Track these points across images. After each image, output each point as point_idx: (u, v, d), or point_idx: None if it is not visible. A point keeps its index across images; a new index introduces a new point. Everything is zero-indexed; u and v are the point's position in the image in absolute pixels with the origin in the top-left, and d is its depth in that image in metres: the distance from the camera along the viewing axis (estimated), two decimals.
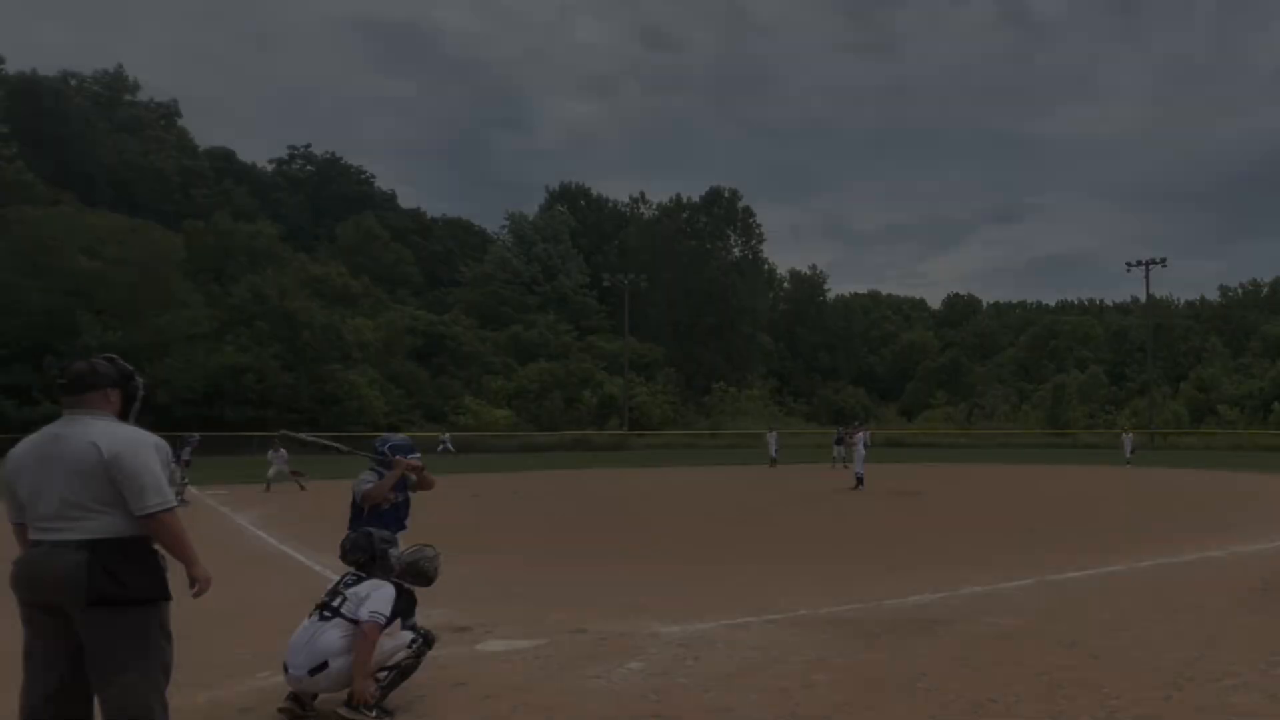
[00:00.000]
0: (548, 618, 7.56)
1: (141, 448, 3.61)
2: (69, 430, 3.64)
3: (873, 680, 5.57)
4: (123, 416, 3.78)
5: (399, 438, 6.66)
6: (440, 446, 46.78)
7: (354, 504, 6.28)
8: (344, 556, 5.33)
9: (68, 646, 3.58)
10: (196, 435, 22.57)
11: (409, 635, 5.06)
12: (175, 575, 3.69)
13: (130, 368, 3.87)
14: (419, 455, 6.61)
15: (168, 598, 3.66)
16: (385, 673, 4.89)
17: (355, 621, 4.87)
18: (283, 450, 25.36)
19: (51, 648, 3.60)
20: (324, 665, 4.75)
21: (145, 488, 3.53)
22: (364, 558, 5.22)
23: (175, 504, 3.66)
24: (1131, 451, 36.38)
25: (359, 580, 5.12)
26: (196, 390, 51.31)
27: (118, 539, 3.54)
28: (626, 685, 5.51)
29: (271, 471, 24.39)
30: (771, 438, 36.87)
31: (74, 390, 3.67)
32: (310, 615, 5.02)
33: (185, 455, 20.44)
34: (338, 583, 5.18)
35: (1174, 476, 28.63)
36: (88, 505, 3.53)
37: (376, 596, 4.95)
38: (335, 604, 4.96)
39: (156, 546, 3.67)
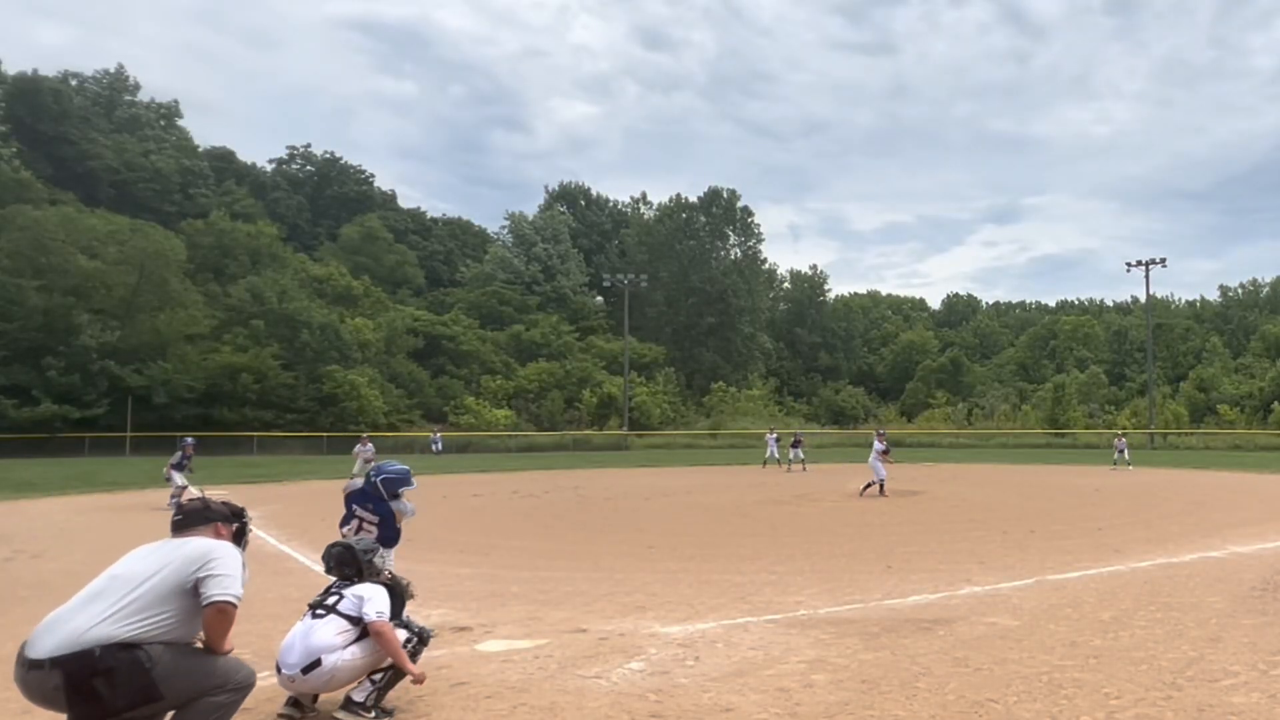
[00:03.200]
0: (548, 618, 7.56)
1: (236, 553, 3.99)
2: (178, 540, 4.01)
3: (873, 680, 5.56)
4: None
5: (394, 468, 6.40)
6: (434, 446, 46.58)
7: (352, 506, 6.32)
8: (331, 571, 5.29)
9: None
10: (189, 439, 21.90)
11: (404, 634, 5.05)
12: None
13: (241, 507, 4.35)
14: (414, 487, 6.43)
15: (153, 699, 3.61)
16: (381, 674, 4.87)
17: (354, 619, 4.85)
18: (370, 445, 27.48)
19: None
20: (317, 663, 4.71)
21: (223, 578, 3.82)
22: (351, 571, 5.19)
23: (238, 602, 3.86)
24: (1124, 453, 35.41)
25: (351, 583, 5.11)
26: (195, 390, 51.31)
27: (113, 644, 3.55)
28: (626, 685, 5.51)
29: (357, 466, 25.40)
30: (771, 439, 36.85)
31: (187, 525, 4.09)
32: (303, 616, 5.01)
33: (186, 460, 20.05)
34: (330, 586, 5.18)
35: (1173, 477, 28.62)
36: (145, 601, 3.68)
37: (376, 597, 4.96)
38: (330, 602, 4.95)
39: (154, 650, 3.63)
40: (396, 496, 6.27)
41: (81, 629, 3.56)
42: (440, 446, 46.94)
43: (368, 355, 61.32)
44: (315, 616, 4.89)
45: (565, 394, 67.32)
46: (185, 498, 19.48)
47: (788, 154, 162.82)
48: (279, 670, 4.81)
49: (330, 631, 4.79)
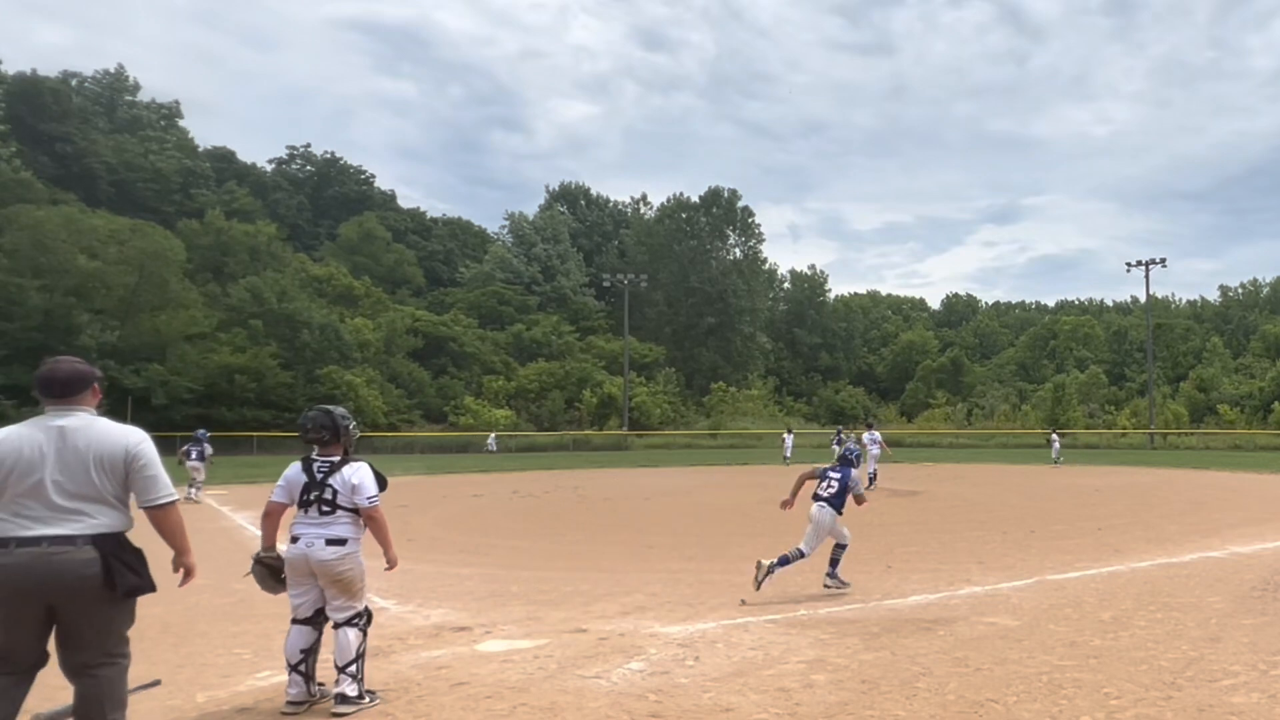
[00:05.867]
0: (548, 618, 7.55)
1: (149, 442, 3.80)
2: (80, 423, 3.70)
3: (873, 680, 5.56)
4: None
5: (854, 447, 9.56)
6: (490, 445, 49.93)
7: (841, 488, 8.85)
8: (306, 435, 5.22)
9: (39, 649, 3.61)
10: (204, 431, 22.76)
11: (361, 606, 5.09)
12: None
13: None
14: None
15: (152, 588, 3.74)
16: (354, 665, 4.95)
17: (354, 510, 5.04)
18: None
19: (27, 657, 3.56)
20: (341, 542, 4.98)
21: (159, 478, 3.71)
22: (328, 435, 5.21)
23: (178, 497, 3.83)
24: (1055, 446, 37.02)
25: (333, 468, 5.12)
26: (195, 390, 51.28)
27: (116, 534, 3.61)
28: (626, 685, 5.51)
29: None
30: (788, 439, 37.22)
31: (74, 391, 3.79)
32: (308, 511, 5.07)
33: (208, 453, 20.73)
34: (312, 474, 5.12)
35: (1173, 477, 28.61)
36: (104, 498, 3.60)
37: (363, 481, 5.08)
38: (329, 498, 5.06)
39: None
40: (853, 464, 9.11)
41: (92, 518, 3.55)
42: (494, 446, 51.68)
43: (367, 355, 61.27)
44: (322, 513, 5.04)
45: (565, 394, 67.29)
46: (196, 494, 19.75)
47: (787, 154, 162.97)
48: (295, 540, 5.00)
49: (346, 523, 5.04)
